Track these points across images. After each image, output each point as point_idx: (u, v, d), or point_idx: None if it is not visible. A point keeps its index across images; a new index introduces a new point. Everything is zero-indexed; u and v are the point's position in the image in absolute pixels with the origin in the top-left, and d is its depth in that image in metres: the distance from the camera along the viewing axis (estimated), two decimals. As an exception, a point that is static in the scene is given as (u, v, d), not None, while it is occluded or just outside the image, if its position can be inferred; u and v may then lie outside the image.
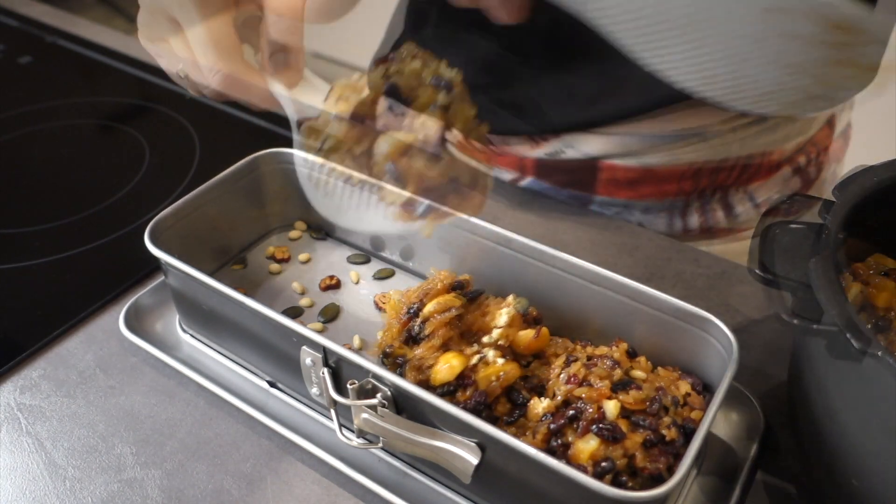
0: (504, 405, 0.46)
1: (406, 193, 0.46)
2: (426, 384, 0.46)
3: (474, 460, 0.41)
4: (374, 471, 0.48)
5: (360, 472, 0.47)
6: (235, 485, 0.48)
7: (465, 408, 0.42)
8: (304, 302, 0.60)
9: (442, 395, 0.43)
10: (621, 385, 0.44)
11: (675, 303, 0.47)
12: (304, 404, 0.52)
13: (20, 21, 1.07)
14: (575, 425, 0.42)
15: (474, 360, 0.46)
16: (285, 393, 0.53)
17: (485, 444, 0.41)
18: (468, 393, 0.45)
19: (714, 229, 0.72)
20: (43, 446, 0.51)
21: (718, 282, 0.62)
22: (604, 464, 0.41)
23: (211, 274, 0.50)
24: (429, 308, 0.48)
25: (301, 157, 0.60)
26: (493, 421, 0.45)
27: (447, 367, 0.45)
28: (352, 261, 0.64)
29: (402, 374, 0.47)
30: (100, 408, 0.53)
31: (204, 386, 0.53)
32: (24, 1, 1.12)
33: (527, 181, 0.73)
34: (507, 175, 0.74)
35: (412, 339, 0.48)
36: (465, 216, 0.54)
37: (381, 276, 0.62)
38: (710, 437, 0.50)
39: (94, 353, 0.57)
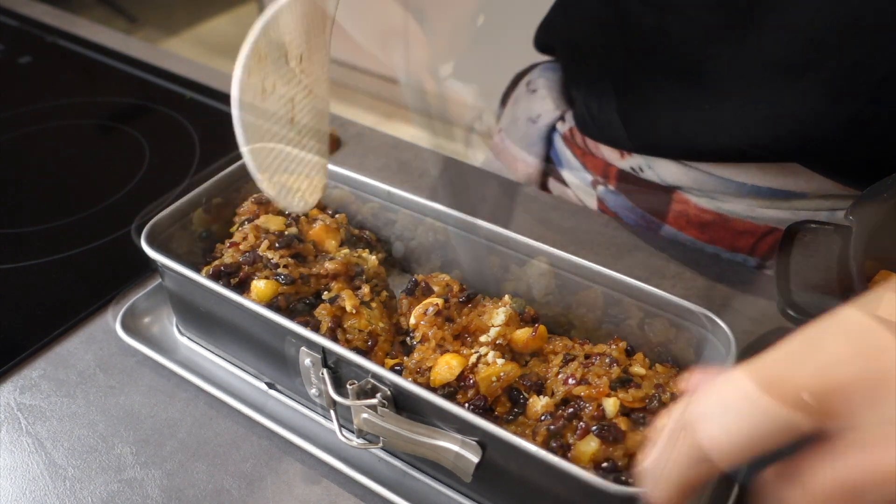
0: (504, 405, 0.46)
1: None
2: (426, 387, 0.46)
3: (475, 458, 0.41)
4: (375, 470, 0.48)
5: (360, 471, 0.48)
6: (235, 485, 0.48)
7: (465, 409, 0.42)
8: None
9: (442, 398, 0.43)
10: (620, 383, 0.44)
11: (675, 301, 0.47)
12: (303, 405, 0.52)
13: (20, 21, 1.07)
14: (574, 424, 0.42)
15: (473, 359, 0.46)
16: (284, 395, 0.53)
17: (485, 443, 0.41)
18: (469, 395, 0.45)
19: None
20: (43, 446, 0.51)
21: (718, 282, 0.62)
22: (605, 464, 0.41)
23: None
24: (416, 313, 0.48)
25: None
26: (493, 420, 0.45)
27: (446, 367, 0.45)
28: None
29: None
30: (100, 408, 0.53)
31: (203, 388, 0.53)
32: (24, 1, 1.12)
33: (602, 190, 0.71)
34: (589, 177, 0.72)
35: (407, 351, 0.48)
36: (459, 214, 0.54)
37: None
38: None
39: (93, 354, 0.57)
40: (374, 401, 0.43)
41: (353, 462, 0.48)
